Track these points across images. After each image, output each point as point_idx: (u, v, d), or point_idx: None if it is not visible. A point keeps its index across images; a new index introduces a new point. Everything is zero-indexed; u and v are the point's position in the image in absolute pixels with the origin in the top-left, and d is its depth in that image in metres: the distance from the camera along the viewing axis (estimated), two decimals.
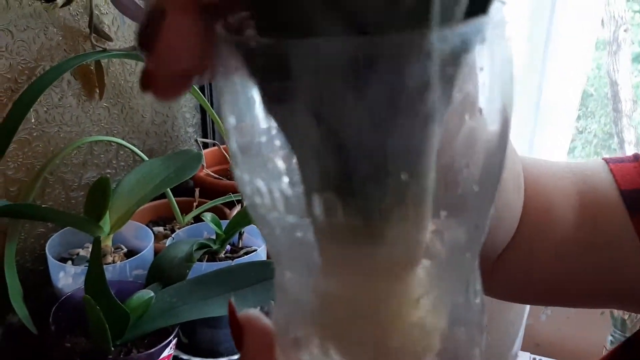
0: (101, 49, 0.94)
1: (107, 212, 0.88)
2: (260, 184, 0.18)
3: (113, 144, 1.02)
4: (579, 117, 1.72)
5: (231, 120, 0.18)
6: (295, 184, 0.17)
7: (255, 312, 0.23)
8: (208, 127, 1.34)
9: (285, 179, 0.18)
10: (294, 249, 0.20)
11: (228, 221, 0.94)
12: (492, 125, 0.17)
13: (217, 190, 1.14)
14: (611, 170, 0.46)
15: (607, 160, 0.47)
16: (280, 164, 0.18)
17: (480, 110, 0.17)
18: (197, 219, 1.06)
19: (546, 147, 1.19)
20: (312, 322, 0.20)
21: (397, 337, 0.18)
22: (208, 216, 0.91)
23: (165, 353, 0.76)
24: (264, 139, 0.17)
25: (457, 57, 0.15)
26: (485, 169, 0.18)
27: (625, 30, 1.46)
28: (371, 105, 0.15)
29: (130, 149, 0.98)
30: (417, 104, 0.15)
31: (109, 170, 1.04)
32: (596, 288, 0.47)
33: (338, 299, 0.19)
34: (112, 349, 0.74)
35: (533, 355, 1.19)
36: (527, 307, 1.22)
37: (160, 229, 1.06)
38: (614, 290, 0.47)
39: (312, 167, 0.17)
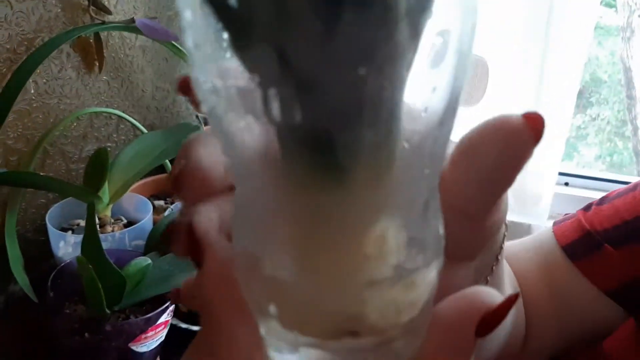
0: (100, 21, 0.95)
1: (106, 183, 0.89)
2: (217, 81, 0.16)
3: (113, 117, 1.03)
4: (591, 104, 1.71)
5: (187, 15, 0.16)
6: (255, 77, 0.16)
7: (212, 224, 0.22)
8: None
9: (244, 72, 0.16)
10: (252, 160, 0.19)
11: None
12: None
13: None
14: (554, 232, 0.55)
15: (554, 224, 0.57)
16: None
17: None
18: None
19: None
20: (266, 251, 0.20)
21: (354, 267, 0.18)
22: None
23: (162, 319, 0.77)
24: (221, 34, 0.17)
25: None
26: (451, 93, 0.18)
27: (639, 16, 1.45)
28: (340, 43, 0.14)
29: (130, 122, 0.98)
30: (385, 42, 0.15)
31: (109, 144, 1.04)
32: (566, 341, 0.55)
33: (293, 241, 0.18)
34: (109, 313, 0.75)
35: None
36: None
37: (161, 202, 1.07)
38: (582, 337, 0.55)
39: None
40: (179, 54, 1.11)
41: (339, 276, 0.18)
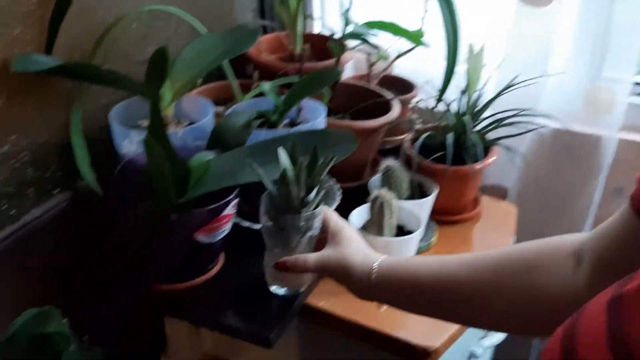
0: None
1: (168, 81, 0.88)
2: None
3: (172, 19, 1.02)
4: None
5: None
6: None
7: None
8: (266, 14, 1.32)
9: None
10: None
11: (285, 95, 0.93)
12: None
13: (275, 74, 1.13)
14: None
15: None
16: None
17: None
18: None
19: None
20: None
21: None
22: (266, 85, 0.90)
23: (226, 212, 0.78)
24: None
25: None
26: None
27: None
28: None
29: (189, 23, 0.97)
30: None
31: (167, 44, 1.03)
32: None
33: None
34: (175, 203, 0.76)
35: None
36: (596, 197, 1.17)
37: (221, 108, 1.06)
38: None
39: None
40: None
41: None
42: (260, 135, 0.87)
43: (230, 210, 0.78)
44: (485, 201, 1.09)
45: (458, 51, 0.88)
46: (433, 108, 0.98)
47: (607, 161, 1.14)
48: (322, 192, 0.75)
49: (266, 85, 0.90)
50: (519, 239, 1.02)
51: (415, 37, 0.96)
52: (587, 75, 1.13)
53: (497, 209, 1.08)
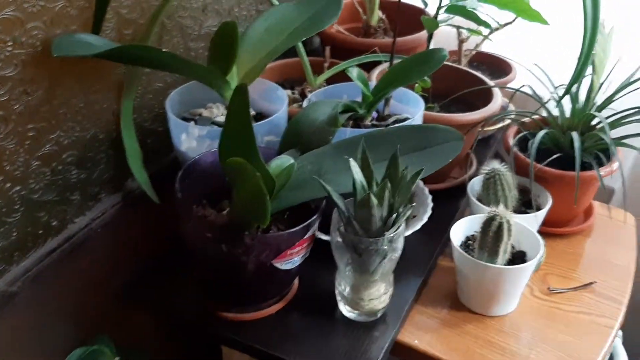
0: None
1: (235, 64, 0.73)
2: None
3: None
4: None
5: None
6: None
7: None
8: None
9: None
10: None
11: (374, 83, 0.77)
12: None
13: (349, 50, 0.96)
14: None
15: None
16: None
17: None
18: (330, 82, 0.90)
19: None
20: None
21: None
22: (355, 72, 0.74)
23: (309, 234, 0.63)
24: None
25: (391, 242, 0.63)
26: None
27: None
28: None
29: None
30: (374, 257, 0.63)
31: (230, 20, 0.88)
32: None
33: None
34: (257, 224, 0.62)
35: None
36: None
37: (288, 92, 0.91)
38: None
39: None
40: None
41: None
42: (345, 133, 0.71)
43: (311, 232, 0.64)
44: (597, 208, 0.92)
45: (597, 29, 0.71)
46: (558, 102, 0.81)
47: None
48: (409, 210, 0.61)
49: (354, 71, 0.74)
50: None
51: (534, 14, 0.79)
52: None
53: (611, 218, 0.92)
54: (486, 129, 1.02)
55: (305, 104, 0.78)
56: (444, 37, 1.09)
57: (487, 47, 1.10)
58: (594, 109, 0.82)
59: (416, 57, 0.75)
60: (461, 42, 1.02)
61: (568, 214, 0.87)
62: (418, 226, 0.77)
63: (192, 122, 0.76)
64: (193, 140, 0.74)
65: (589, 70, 0.81)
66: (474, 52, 1.04)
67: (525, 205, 0.83)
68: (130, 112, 0.71)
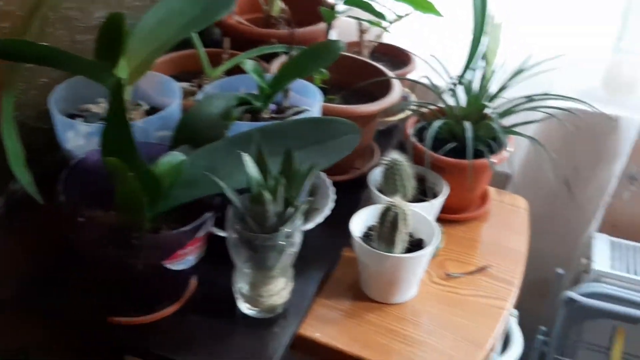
0: None
1: (124, 58, 0.70)
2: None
3: None
4: None
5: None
6: None
7: None
8: None
9: None
10: None
11: (272, 75, 0.76)
12: None
13: (250, 41, 0.95)
14: None
15: None
16: None
17: None
18: (229, 73, 0.88)
19: None
20: None
21: None
22: (249, 64, 0.73)
23: (202, 231, 0.62)
24: None
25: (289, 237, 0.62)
26: None
27: None
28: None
29: None
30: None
31: (121, 11, 0.84)
32: None
33: None
34: (146, 222, 0.59)
35: (612, 238, 1.05)
36: (611, 183, 1.06)
37: (185, 84, 0.88)
38: None
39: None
40: None
41: None
42: (242, 126, 0.70)
43: (207, 228, 0.62)
44: (493, 194, 0.96)
45: (485, 21, 0.73)
46: (451, 91, 0.83)
47: (626, 146, 1.02)
48: (304, 204, 0.61)
49: (249, 63, 0.73)
50: None
51: (428, 6, 0.80)
52: (608, 50, 1.00)
53: (505, 203, 0.95)
54: (387, 119, 1.03)
55: (199, 96, 0.76)
56: (347, 28, 1.09)
57: (390, 39, 1.11)
58: (487, 99, 0.85)
59: (312, 49, 0.74)
60: (362, 33, 1.02)
61: (465, 200, 0.89)
62: (320, 219, 0.77)
63: (79, 119, 0.73)
64: (80, 138, 0.70)
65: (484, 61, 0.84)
66: (375, 44, 1.05)
67: (424, 193, 0.85)
68: (10, 109, 0.67)
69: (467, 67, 0.77)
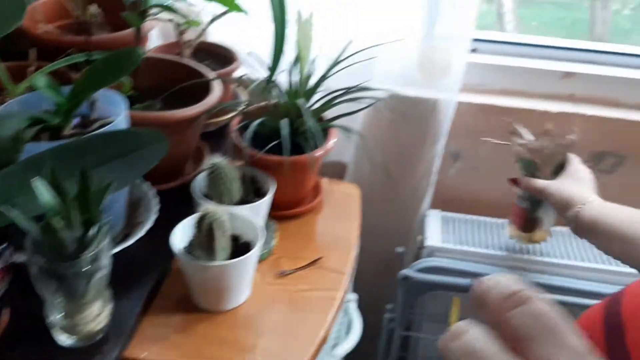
0: None
1: None
2: None
3: None
4: None
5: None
6: None
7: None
8: None
9: None
10: None
11: (71, 86, 0.71)
12: None
13: (60, 51, 0.89)
14: None
15: None
16: None
17: None
18: None
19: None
20: None
21: None
22: (41, 80, 0.68)
23: (1, 264, 0.57)
24: None
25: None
26: None
27: None
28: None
29: None
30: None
31: None
32: None
33: None
34: None
35: (443, 213, 1.11)
36: (436, 162, 1.12)
37: None
38: None
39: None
40: None
41: None
42: (41, 147, 0.65)
43: (1, 263, 0.58)
44: (325, 185, 0.97)
45: (286, 18, 0.73)
46: (264, 89, 0.82)
47: (446, 125, 1.08)
48: (106, 225, 0.59)
49: (40, 79, 0.68)
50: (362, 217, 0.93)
51: (231, 2, 0.79)
52: (421, 36, 1.04)
53: (338, 193, 0.98)
54: (219, 119, 1.02)
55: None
56: (168, 28, 1.06)
57: (217, 37, 1.09)
58: (306, 94, 0.85)
59: (110, 58, 0.70)
60: (181, 33, 0.99)
61: (296, 195, 0.90)
62: (142, 233, 0.74)
63: None
64: None
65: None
66: (195, 43, 1.02)
67: (257, 192, 0.84)
68: None
69: (273, 67, 0.77)
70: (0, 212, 0.56)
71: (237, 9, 0.79)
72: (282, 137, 0.77)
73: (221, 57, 1.06)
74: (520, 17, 1.64)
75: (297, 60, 0.85)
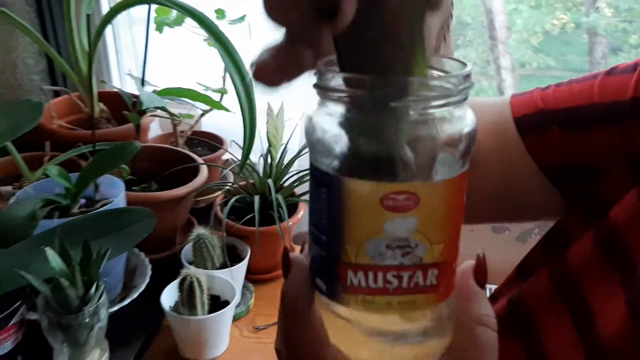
0: None
1: None
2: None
3: None
4: (458, 46, 1.75)
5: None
6: None
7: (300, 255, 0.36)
8: (57, 75, 1.23)
9: None
10: None
11: (78, 174, 0.87)
12: None
13: (71, 142, 1.05)
14: (510, 103, 0.57)
15: (512, 95, 0.58)
16: None
17: None
18: None
19: None
20: None
21: None
22: (53, 170, 0.83)
23: (13, 321, 0.70)
24: None
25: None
26: None
27: None
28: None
29: None
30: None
31: None
32: (502, 206, 0.60)
33: None
34: None
35: None
36: None
37: (8, 188, 0.97)
38: (516, 206, 0.59)
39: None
40: (11, 21, 0.99)
41: None
42: (52, 224, 0.80)
43: (17, 318, 0.71)
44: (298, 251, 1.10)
45: (255, 117, 0.89)
46: (239, 171, 0.98)
47: None
48: (103, 285, 0.72)
49: (53, 169, 0.83)
50: None
51: (214, 102, 0.95)
52: None
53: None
54: (203, 197, 1.17)
55: (12, 200, 0.85)
56: (165, 120, 1.23)
57: (207, 126, 1.26)
58: (276, 176, 1.00)
59: (110, 150, 0.86)
60: (175, 126, 1.16)
61: (271, 260, 1.04)
62: (135, 294, 0.88)
63: None
64: None
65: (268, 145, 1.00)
66: (189, 133, 1.19)
67: (237, 258, 0.98)
68: None
69: (246, 154, 0.91)
70: (19, 275, 0.70)
71: (221, 107, 0.95)
72: (255, 211, 0.91)
73: (211, 144, 1.22)
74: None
75: (269, 146, 1.00)
